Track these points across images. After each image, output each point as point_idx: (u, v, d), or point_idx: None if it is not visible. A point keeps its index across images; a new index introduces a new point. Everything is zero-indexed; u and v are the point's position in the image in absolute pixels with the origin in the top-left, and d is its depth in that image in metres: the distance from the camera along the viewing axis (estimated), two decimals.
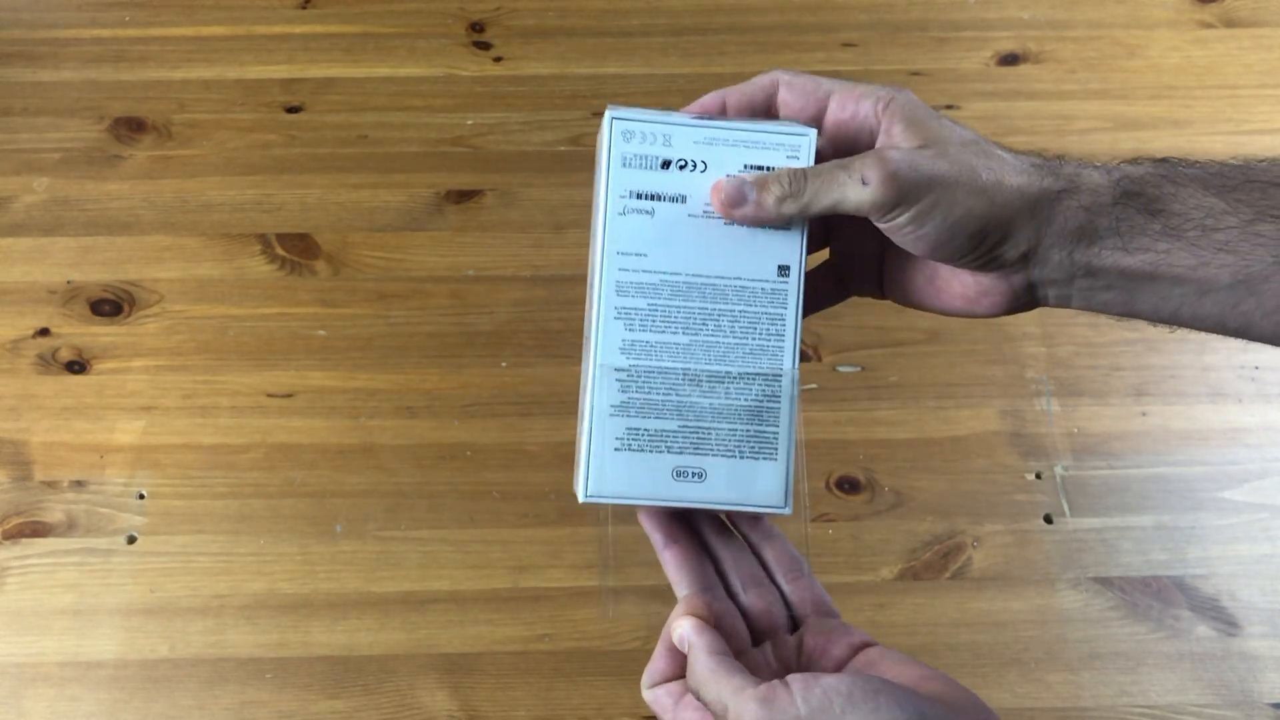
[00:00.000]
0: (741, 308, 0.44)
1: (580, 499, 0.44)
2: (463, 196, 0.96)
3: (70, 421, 0.83)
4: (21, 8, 1.10)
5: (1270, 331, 0.39)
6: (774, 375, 0.44)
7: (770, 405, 0.44)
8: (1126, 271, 0.40)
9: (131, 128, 1.00)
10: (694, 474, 0.43)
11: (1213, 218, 0.39)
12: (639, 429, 0.44)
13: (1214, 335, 0.42)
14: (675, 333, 0.44)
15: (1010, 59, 1.05)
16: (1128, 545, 0.77)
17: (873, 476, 0.80)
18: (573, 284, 0.90)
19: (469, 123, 1.01)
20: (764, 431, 0.43)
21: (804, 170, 0.42)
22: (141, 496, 0.79)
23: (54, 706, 0.71)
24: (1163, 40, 1.07)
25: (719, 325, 0.44)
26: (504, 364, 0.86)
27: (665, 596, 0.75)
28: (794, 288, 0.44)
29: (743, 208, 0.42)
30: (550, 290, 0.90)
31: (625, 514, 0.46)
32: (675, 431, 0.43)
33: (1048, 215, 0.40)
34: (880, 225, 0.41)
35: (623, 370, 0.44)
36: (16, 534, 0.78)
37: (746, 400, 0.43)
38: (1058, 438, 0.82)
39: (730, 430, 0.43)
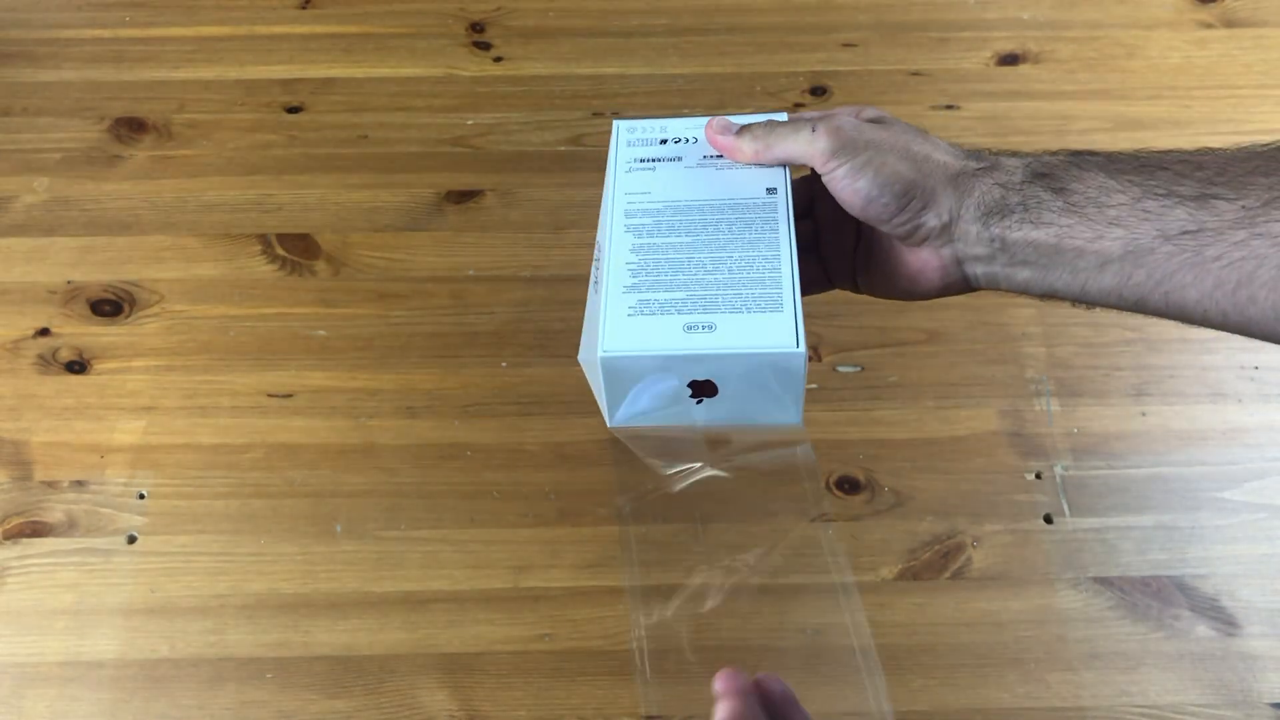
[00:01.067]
0: (736, 215, 0.48)
1: (599, 355, 0.46)
2: (463, 197, 0.96)
3: (70, 421, 0.83)
4: (22, 8, 1.10)
5: (1160, 303, 0.43)
6: (772, 253, 0.47)
7: (771, 274, 0.46)
8: (1034, 243, 0.45)
9: (132, 128, 1.00)
10: (704, 327, 0.45)
11: (1106, 195, 0.44)
12: (650, 299, 0.46)
13: (1199, 329, 0.45)
14: (679, 236, 0.48)
15: (1010, 59, 1.05)
16: (1128, 545, 0.77)
17: (872, 476, 0.80)
18: (573, 284, 0.90)
19: (469, 123, 1.01)
20: (768, 293, 0.46)
21: (772, 123, 0.49)
22: (142, 496, 0.79)
23: (54, 706, 0.71)
24: (1162, 40, 1.07)
25: (717, 228, 0.48)
26: (504, 364, 0.86)
27: (665, 596, 0.76)
28: (782, 200, 0.49)
29: (726, 136, 0.50)
30: (550, 290, 0.90)
31: (644, 513, 0.47)
32: (684, 299, 0.46)
33: (966, 189, 0.46)
34: (824, 176, 0.47)
35: (632, 261, 0.48)
36: (17, 534, 0.78)
37: (748, 273, 0.46)
38: (1058, 438, 0.82)
39: (735, 294, 0.46)
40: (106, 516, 0.78)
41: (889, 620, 0.74)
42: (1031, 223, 0.45)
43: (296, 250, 0.92)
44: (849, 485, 0.80)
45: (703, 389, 0.47)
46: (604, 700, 0.71)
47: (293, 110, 1.02)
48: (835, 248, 0.52)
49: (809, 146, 0.47)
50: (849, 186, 0.46)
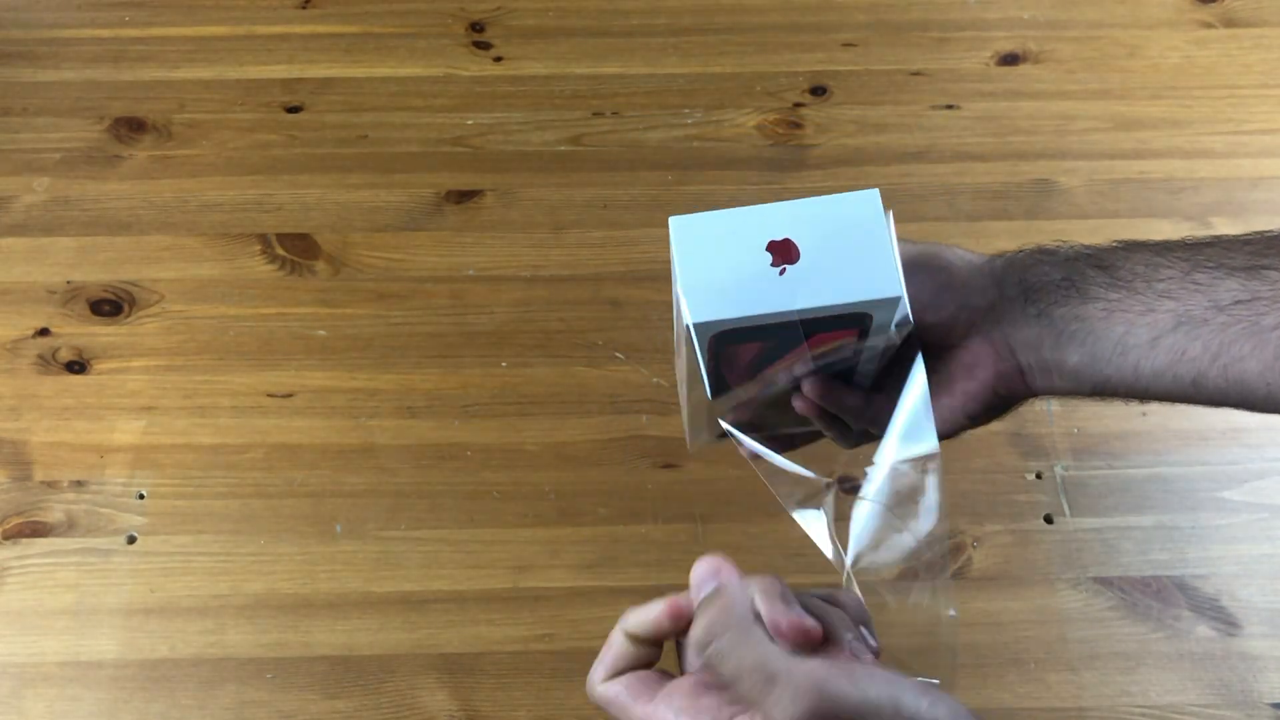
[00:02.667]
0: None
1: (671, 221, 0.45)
2: (463, 196, 0.96)
3: (70, 421, 0.83)
4: (22, 8, 1.10)
5: (1219, 380, 0.41)
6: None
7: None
8: (1082, 317, 0.43)
9: (131, 128, 1.00)
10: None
11: (1154, 269, 0.43)
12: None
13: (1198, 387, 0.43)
14: None
15: (1010, 59, 1.05)
16: (1128, 545, 0.77)
17: None
18: (572, 284, 0.90)
19: (469, 123, 1.01)
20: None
21: None
22: (141, 496, 0.79)
23: (54, 706, 0.71)
24: (1162, 40, 1.07)
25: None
26: (504, 364, 0.86)
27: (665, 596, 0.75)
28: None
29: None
30: (550, 290, 0.90)
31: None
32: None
33: (1009, 271, 0.45)
34: None
35: None
36: (16, 534, 0.78)
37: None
38: (1058, 438, 0.82)
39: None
40: (106, 516, 0.78)
41: (889, 620, 0.74)
42: (1079, 297, 0.43)
43: (296, 250, 0.92)
44: (850, 485, 0.80)
45: (783, 252, 0.44)
46: None
47: (293, 110, 1.02)
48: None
49: None
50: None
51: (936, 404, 0.47)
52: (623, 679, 0.41)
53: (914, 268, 0.44)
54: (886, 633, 0.44)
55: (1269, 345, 0.40)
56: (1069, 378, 0.44)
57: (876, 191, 0.43)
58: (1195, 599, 0.75)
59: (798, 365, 0.47)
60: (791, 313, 0.42)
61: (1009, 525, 0.78)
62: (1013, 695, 0.71)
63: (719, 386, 0.47)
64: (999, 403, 0.47)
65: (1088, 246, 0.45)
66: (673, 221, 0.45)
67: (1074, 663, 0.72)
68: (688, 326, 0.43)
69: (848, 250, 0.43)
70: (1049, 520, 0.78)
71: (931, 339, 0.46)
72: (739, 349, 0.45)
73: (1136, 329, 0.42)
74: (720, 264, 0.44)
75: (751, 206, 0.45)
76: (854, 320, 0.44)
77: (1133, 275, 0.43)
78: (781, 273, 0.43)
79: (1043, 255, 0.45)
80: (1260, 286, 0.40)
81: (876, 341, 0.45)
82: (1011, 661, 0.72)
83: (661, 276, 0.90)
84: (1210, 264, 0.42)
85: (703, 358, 0.44)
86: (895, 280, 0.42)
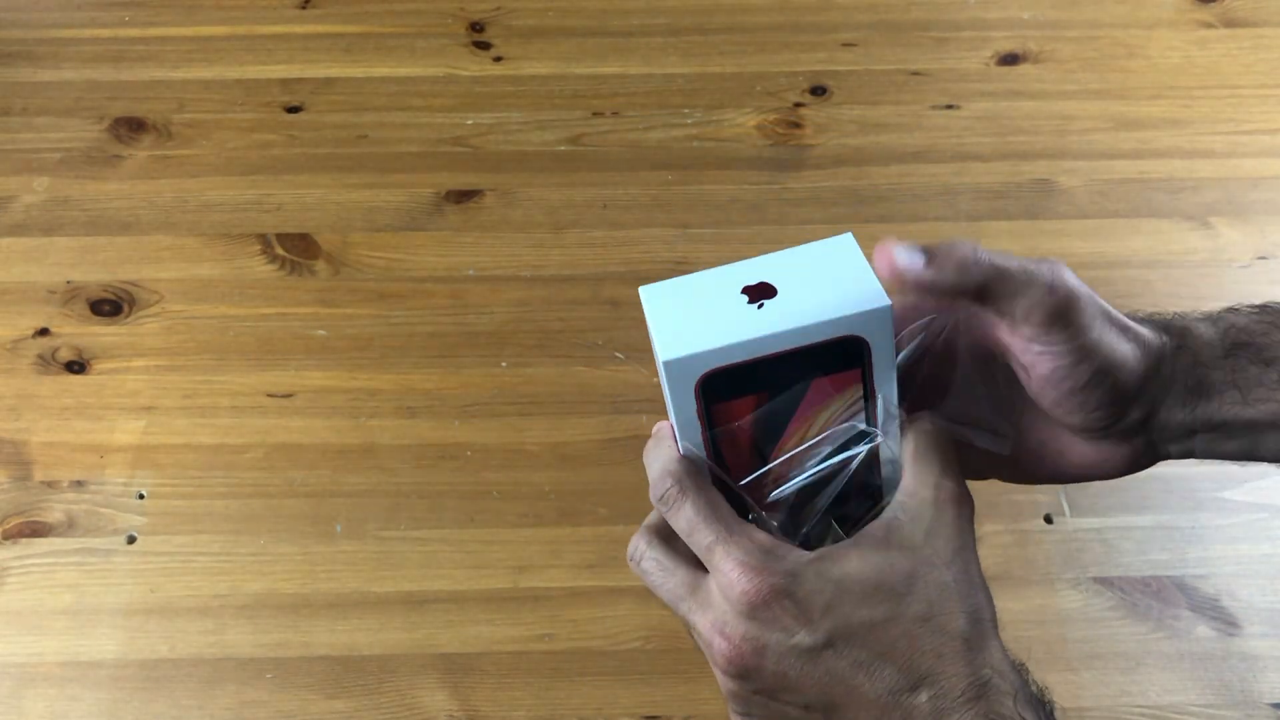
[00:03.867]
0: None
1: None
2: (463, 196, 0.96)
3: (70, 421, 0.83)
4: (22, 7, 1.10)
5: None
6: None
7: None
8: (1248, 423, 0.40)
9: (131, 128, 1.00)
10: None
11: None
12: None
13: None
14: None
15: (1010, 59, 1.05)
16: (1128, 545, 0.77)
17: None
18: (572, 284, 0.90)
19: (469, 122, 1.01)
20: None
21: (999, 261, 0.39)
22: (141, 496, 0.79)
23: (54, 706, 0.71)
24: (1163, 40, 1.07)
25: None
26: (504, 364, 0.86)
27: None
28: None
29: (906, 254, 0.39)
30: (550, 290, 0.90)
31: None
32: None
33: (1168, 372, 0.40)
34: (1031, 349, 0.39)
35: None
36: (16, 534, 0.78)
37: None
38: None
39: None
40: (106, 516, 0.78)
41: None
42: (1243, 401, 0.40)
43: (296, 250, 0.92)
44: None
45: (760, 292, 0.40)
46: (604, 700, 0.71)
47: (292, 110, 1.02)
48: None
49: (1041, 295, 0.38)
50: (1059, 368, 0.38)
51: (1042, 474, 0.45)
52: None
53: (1108, 329, 0.39)
54: None
55: None
56: (1216, 457, 0.42)
57: (850, 234, 0.40)
58: (1195, 599, 0.75)
59: (817, 434, 0.41)
60: (777, 337, 0.38)
61: (1009, 525, 0.78)
62: None
63: (718, 458, 0.41)
64: (1121, 475, 0.43)
65: (1238, 328, 0.41)
66: (643, 291, 0.41)
67: (1074, 663, 0.72)
68: (661, 369, 0.38)
69: (827, 279, 0.39)
70: (1049, 520, 0.78)
71: (1040, 424, 0.42)
72: (732, 405, 0.40)
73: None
74: (696, 313, 0.39)
75: (723, 266, 0.40)
76: (853, 352, 0.39)
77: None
78: (760, 307, 0.39)
79: (1199, 354, 0.40)
80: None
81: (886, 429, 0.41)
82: None
83: (661, 277, 0.90)
84: None
85: (684, 411, 0.39)
86: (880, 293, 0.38)
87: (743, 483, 0.41)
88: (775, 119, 1.01)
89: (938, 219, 0.94)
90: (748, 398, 0.40)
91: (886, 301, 0.38)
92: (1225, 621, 0.74)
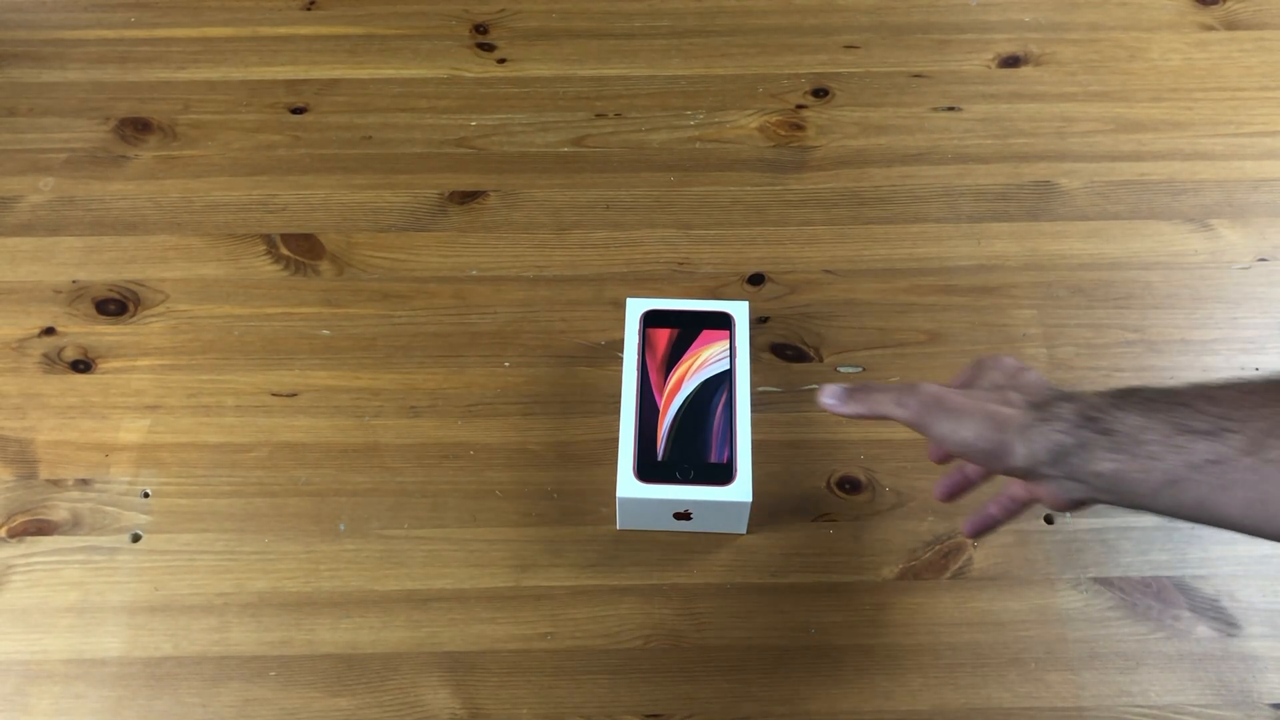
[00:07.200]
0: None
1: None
2: (466, 197, 0.96)
3: (75, 420, 0.83)
4: (27, 8, 1.10)
5: (1213, 519, 0.51)
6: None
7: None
8: (1100, 474, 0.53)
9: (137, 128, 1.01)
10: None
11: (1142, 432, 0.52)
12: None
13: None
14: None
15: (1011, 61, 1.06)
16: (1128, 545, 0.77)
17: (873, 476, 0.80)
18: (575, 284, 0.91)
19: (473, 124, 1.01)
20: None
21: (869, 385, 0.65)
22: (146, 495, 0.80)
23: (58, 703, 0.71)
24: (1163, 42, 1.07)
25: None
26: (507, 364, 0.86)
27: (665, 595, 0.76)
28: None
29: (831, 399, 0.64)
30: (553, 291, 0.90)
31: None
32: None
33: (1035, 438, 0.55)
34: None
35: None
36: (21, 532, 0.78)
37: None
38: None
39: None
40: (111, 515, 0.79)
41: (889, 620, 0.75)
42: (1090, 460, 0.53)
43: (301, 250, 0.93)
44: (850, 485, 0.80)
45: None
46: (606, 699, 0.72)
47: (297, 111, 1.02)
48: None
49: (899, 410, 0.60)
50: (943, 443, 0.58)
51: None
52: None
53: (961, 420, 0.58)
54: None
55: (1236, 498, 0.49)
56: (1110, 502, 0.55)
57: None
58: (1195, 599, 0.75)
59: None
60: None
61: (1009, 525, 0.78)
62: (1013, 695, 0.72)
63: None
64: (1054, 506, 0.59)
65: (1091, 404, 0.54)
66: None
67: (1074, 663, 0.73)
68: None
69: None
70: (1049, 520, 0.78)
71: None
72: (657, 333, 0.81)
73: (1140, 485, 0.52)
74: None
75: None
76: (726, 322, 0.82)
77: (1125, 439, 0.52)
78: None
79: (1059, 425, 0.54)
80: (1223, 449, 0.49)
81: None
82: (1011, 661, 0.73)
83: (663, 277, 0.91)
84: (1185, 427, 0.50)
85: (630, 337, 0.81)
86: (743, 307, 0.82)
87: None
88: (777, 120, 1.01)
89: (939, 220, 0.94)
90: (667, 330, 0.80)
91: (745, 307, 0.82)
92: (1225, 622, 0.74)
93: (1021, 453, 0.55)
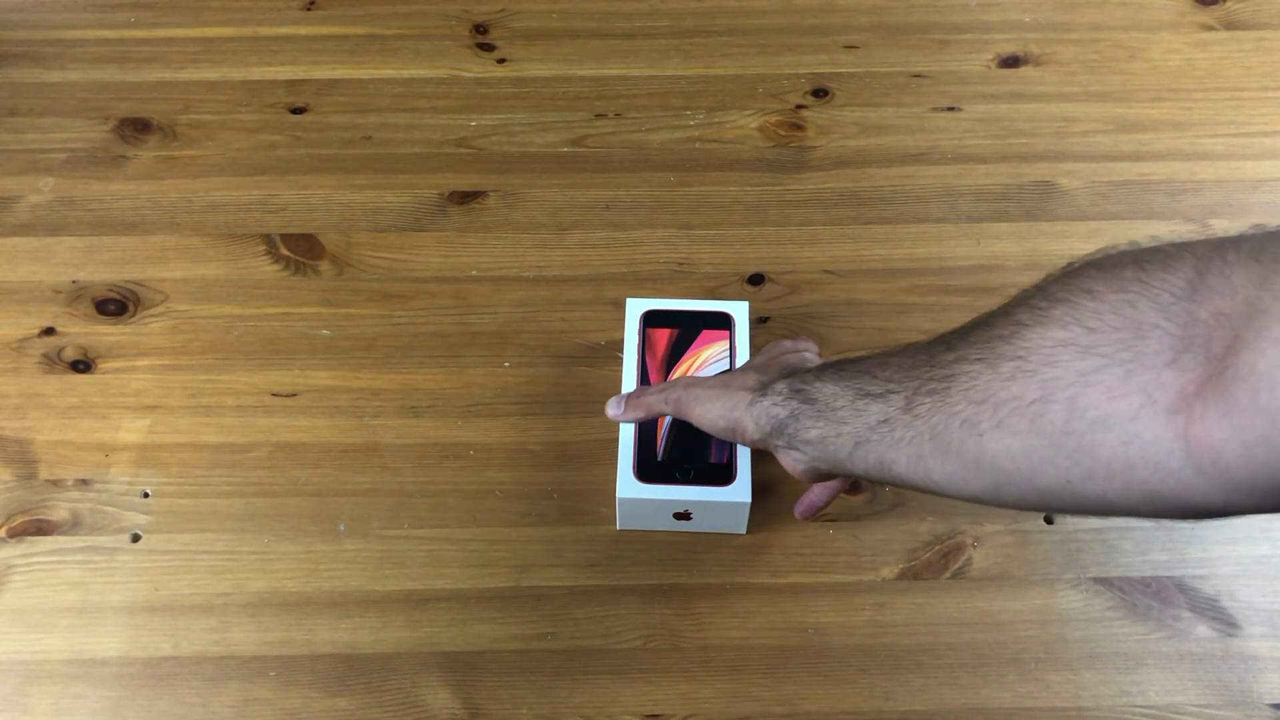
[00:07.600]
0: None
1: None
2: (466, 197, 0.96)
3: (75, 420, 0.83)
4: (27, 9, 1.10)
5: (893, 478, 0.54)
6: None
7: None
8: (810, 441, 0.58)
9: (137, 128, 1.01)
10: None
11: (834, 399, 0.56)
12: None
13: None
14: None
15: (1011, 61, 1.06)
16: (1128, 545, 0.77)
17: None
18: (575, 284, 0.91)
19: (472, 124, 1.01)
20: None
21: (642, 389, 0.74)
22: (146, 495, 0.80)
23: (58, 703, 0.71)
24: (1163, 43, 1.07)
25: None
26: (507, 364, 0.86)
27: (665, 595, 0.76)
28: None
29: (615, 408, 0.74)
30: (553, 291, 0.90)
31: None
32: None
33: (759, 412, 0.61)
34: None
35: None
36: (21, 532, 0.78)
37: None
38: None
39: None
40: (111, 515, 0.79)
41: (889, 620, 0.75)
42: (801, 429, 0.58)
43: (300, 250, 0.93)
44: (850, 486, 0.80)
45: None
46: (606, 699, 0.72)
47: (297, 111, 1.02)
48: None
49: (666, 405, 0.69)
50: (700, 426, 0.66)
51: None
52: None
53: (705, 402, 0.66)
54: None
55: (902, 455, 0.52)
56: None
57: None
58: (1195, 599, 0.75)
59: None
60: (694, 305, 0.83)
61: (1009, 525, 0.78)
62: (1012, 695, 0.72)
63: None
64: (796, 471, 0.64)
65: (800, 377, 0.60)
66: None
67: (1074, 663, 0.73)
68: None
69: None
70: (1049, 520, 0.78)
71: None
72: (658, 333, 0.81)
73: (839, 447, 0.56)
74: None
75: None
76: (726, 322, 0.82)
77: (824, 407, 0.57)
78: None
79: (774, 398, 0.60)
80: (888, 409, 0.53)
81: None
82: (1011, 661, 0.73)
83: (663, 277, 0.91)
84: (862, 392, 0.55)
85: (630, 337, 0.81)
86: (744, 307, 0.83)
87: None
88: (777, 121, 1.01)
89: (939, 220, 0.94)
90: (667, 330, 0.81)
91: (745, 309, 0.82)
92: (1225, 622, 0.74)
93: (751, 427, 0.61)
